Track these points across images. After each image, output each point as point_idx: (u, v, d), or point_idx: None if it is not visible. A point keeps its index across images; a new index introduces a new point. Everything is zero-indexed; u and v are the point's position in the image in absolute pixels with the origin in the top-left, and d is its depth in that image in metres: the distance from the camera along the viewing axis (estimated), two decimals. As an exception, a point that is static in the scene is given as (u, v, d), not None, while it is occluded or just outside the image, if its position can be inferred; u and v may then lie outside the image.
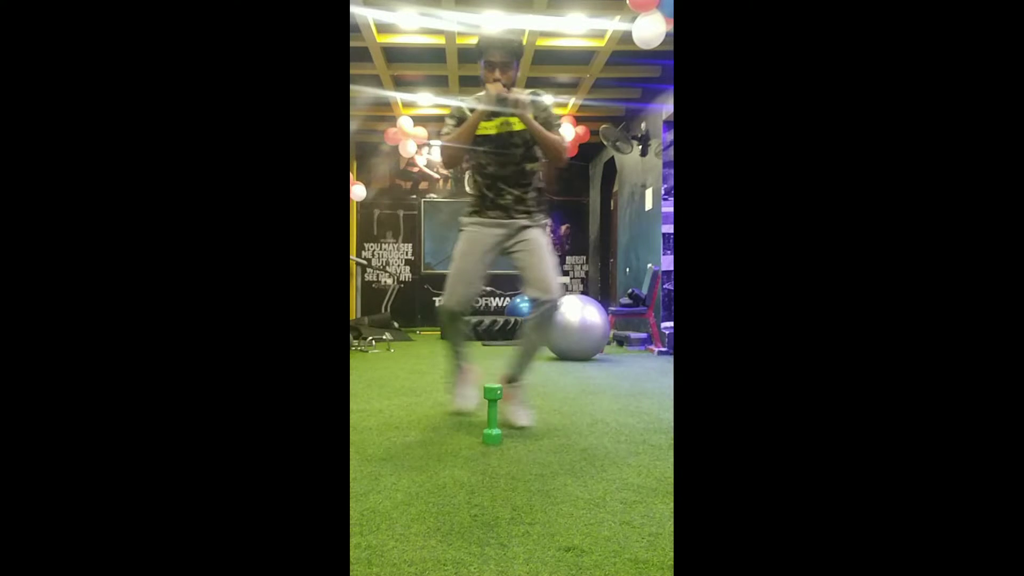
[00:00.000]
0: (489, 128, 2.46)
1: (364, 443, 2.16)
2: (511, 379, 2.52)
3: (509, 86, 2.42)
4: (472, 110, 2.46)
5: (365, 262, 8.54)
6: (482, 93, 2.46)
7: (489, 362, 4.66)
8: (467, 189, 2.62)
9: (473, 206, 2.59)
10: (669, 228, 5.97)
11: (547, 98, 2.54)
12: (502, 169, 2.50)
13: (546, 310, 2.41)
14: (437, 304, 2.54)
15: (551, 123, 2.47)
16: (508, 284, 8.90)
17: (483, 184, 2.53)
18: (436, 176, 8.74)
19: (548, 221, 2.60)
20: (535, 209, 2.55)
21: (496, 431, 2.17)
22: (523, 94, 2.44)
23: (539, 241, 2.50)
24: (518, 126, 2.45)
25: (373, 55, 5.45)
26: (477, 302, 2.64)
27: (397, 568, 1.19)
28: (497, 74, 2.40)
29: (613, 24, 4.87)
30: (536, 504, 1.55)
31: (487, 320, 6.78)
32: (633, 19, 4.04)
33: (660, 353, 5.47)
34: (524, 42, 2.52)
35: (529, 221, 2.52)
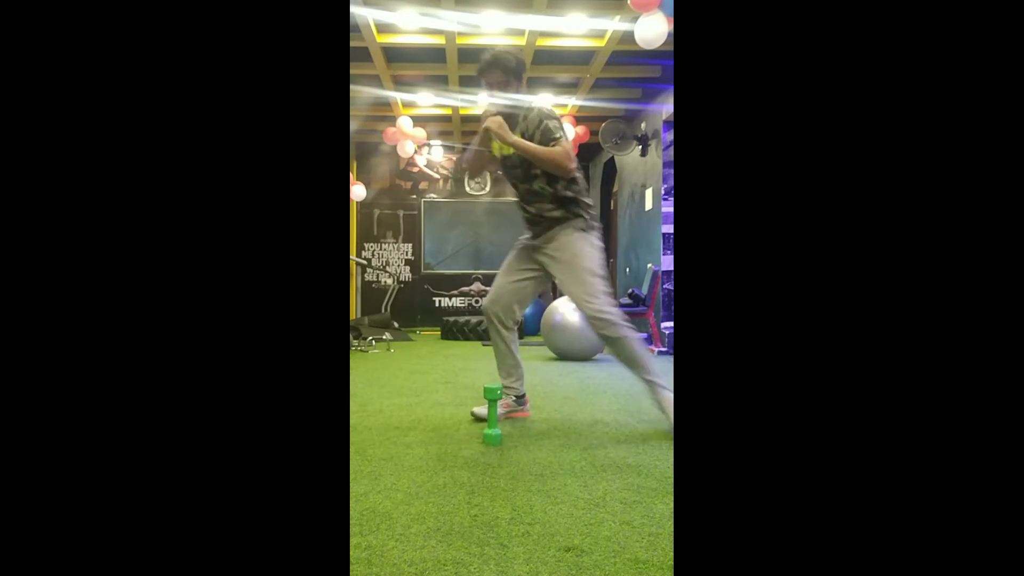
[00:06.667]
0: (495, 150, 2.51)
1: (364, 443, 2.16)
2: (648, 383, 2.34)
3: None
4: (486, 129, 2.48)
5: (365, 262, 8.54)
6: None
7: (489, 362, 4.66)
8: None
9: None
10: (669, 228, 5.96)
11: (542, 109, 2.44)
12: (518, 187, 2.55)
13: (597, 332, 2.31)
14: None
15: (548, 136, 2.37)
16: (508, 284, 8.88)
17: (518, 199, 2.59)
18: (436, 176, 8.74)
19: (582, 219, 2.44)
20: (562, 217, 2.43)
21: (496, 431, 2.17)
22: (531, 110, 2.43)
23: (567, 247, 2.39)
24: (506, 150, 2.46)
25: (373, 55, 5.45)
26: (517, 320, 2.57)
27: (397, 568, 1.19)
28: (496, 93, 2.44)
29: (613, 24, 4.87)
30: (536, 504, 1.55)
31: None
32: (634, 19, 4.04)
33: (660, 353, 5.47)
34: (521, 47, 2.45)
35: (555, 228, 2.44)
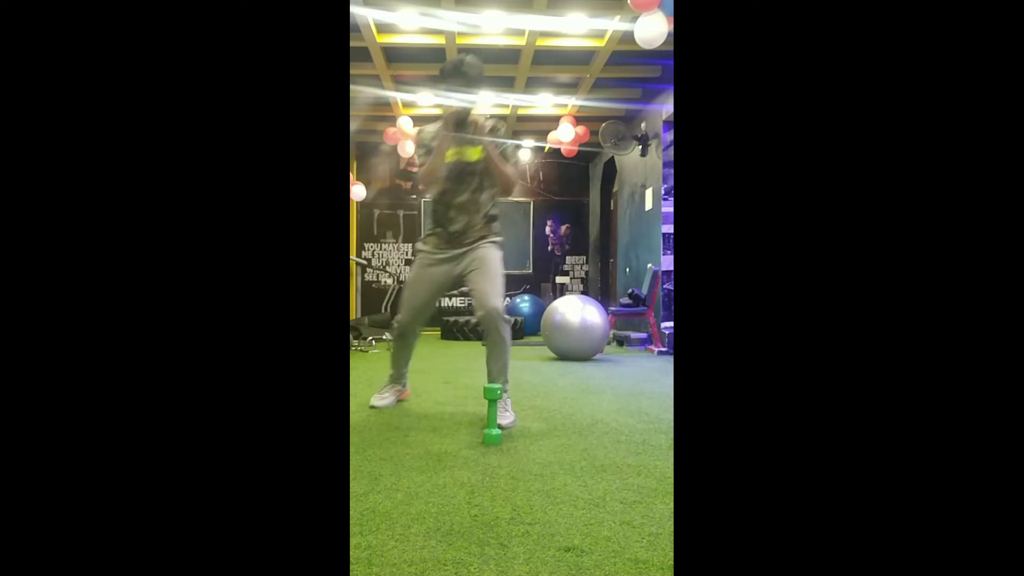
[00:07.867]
0: (448, 156, 2.56)
1: (364, 443, 2.16)
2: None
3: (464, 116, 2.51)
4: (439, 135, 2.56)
5: (365, 262, 8.54)
6: (442, 120, 2.57)
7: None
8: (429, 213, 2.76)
9: (429, 230, 2.69)
10: (669, 228, 5.97)
11: (503, 127, 2.62)
12: (456, 197, 2.57)
13: (489, 326, 2.49)
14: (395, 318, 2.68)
15: (507, 155, 2.56)
16: (508, 284, 8.90)
17: (439, 209, 2.63)
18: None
19: (499, 239, 2.67)
20: (486, 233, 2.61)
21: (496, 431, 2.17)
22: (482, 119, 2.55)
23: (486, 258, 2.55)
24: (472, 156, 2.54)
25: (373, 55, 5.46)
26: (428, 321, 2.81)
27: (397, 568, 1.19)
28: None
29: (613, 24, 4.87)
30: (536, 504, 1.55)
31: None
32: (634, 19, 4.04)
33: (660, 353, 5.47)
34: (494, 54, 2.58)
35: (480, 244, 2.58)
